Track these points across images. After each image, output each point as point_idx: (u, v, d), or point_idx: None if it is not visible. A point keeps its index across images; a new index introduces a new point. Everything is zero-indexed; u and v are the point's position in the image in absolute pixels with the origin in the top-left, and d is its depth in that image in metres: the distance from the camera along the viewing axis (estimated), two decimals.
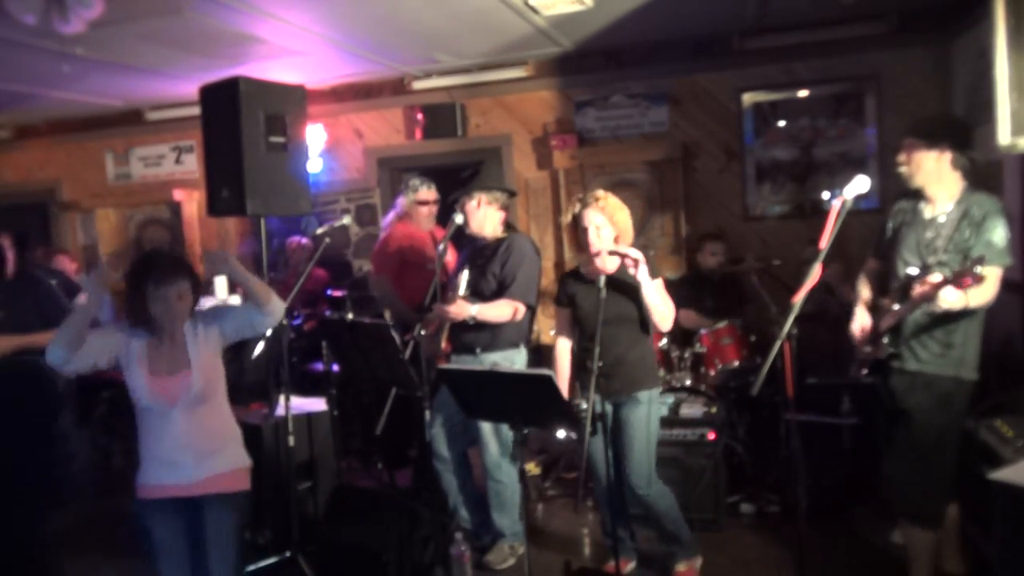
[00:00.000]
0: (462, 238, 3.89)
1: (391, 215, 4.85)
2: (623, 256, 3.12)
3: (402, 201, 4.62)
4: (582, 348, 3.40)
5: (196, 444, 2.77)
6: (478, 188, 3.70)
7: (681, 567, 3.48)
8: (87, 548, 4.16)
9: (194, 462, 2.76)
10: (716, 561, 3.65)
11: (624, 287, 3.30)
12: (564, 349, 3.49)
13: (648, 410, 3.34)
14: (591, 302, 3.25)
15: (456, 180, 3.85)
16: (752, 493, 4.21)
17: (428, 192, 4.56)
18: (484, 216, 3.72)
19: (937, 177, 2.93)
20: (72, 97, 6.00)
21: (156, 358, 2.79)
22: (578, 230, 3.29)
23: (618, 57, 5.59)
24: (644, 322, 3.34)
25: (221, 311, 2.98)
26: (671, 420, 4.08)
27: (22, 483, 3.78)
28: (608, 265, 3.29)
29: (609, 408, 3.38)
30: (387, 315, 4.57)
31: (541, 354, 5.21)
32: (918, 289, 2.76)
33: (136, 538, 4.35)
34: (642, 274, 3.12)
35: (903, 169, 2.99)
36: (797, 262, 4.71)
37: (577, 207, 3.31)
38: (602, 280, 3.18)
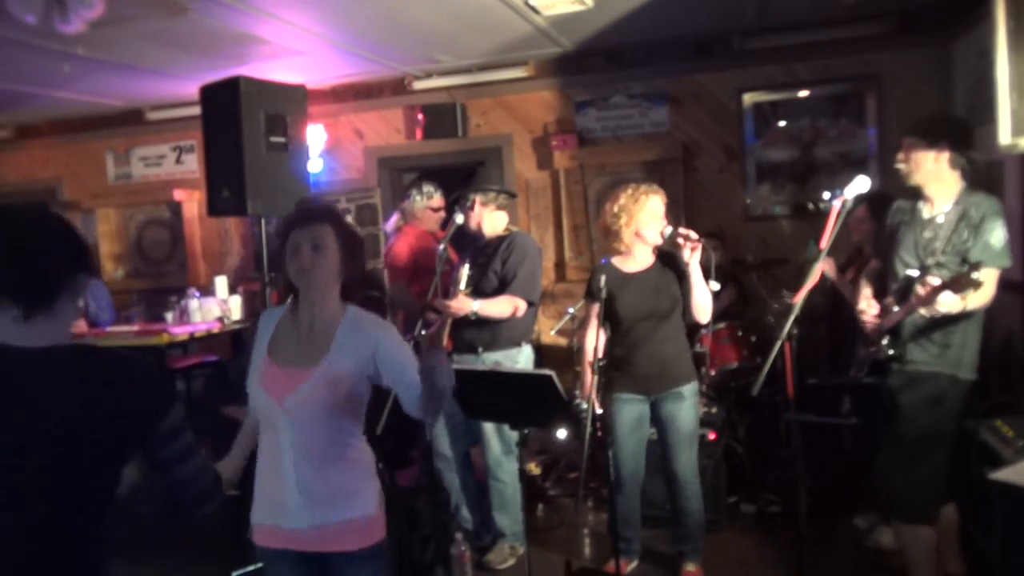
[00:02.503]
0: (464, 238, 3.91)
1: (394, 218, 4.88)
2: (685, 237, 3.12)
3: (412, 204, 4.63)
4: (615, 343, 3.42)
5: (307, 479, 2.03)
6: (474, 190, 3.74)
7: (690, 567, 3.50)
8: None
9: (304, 504, 2.03)
10: (716, 561, 3.65)
11: (663, 281, 3.34)
12: (590, 344, 3.45)
13: (691, 404, 3.38)
14: (629, 295, 3.31)
15: (457, 180, 3.87)
16: (752, 493, 4.21)
17: (441, 199, 4.62)
18: (481, 217, 3.74)
19: (936, 177, 2.93)
20: (73, 97, 6.00)
21: (287, 339, 2.11)
22: (643, 216, 3.30)
23: (618, 57, 5.59)
24: (681, 316, 3.37)
25: (393, 336, 2.13)
26: None
27: None
28: (647, 262, 3.36)
29: (645, 406, 3.40)
30: (389, 317, 4.58)
31: (541, 354, 5.21)
32: (917, 294, 2.77)
33: (137, 539, 4.36)
34: (695, 259, 3.14)
35: (901, 166, 3.00)
36: (798, 262, 4.72)
37: (649, 193, 3.34)
38: (602, 280, 3.20)
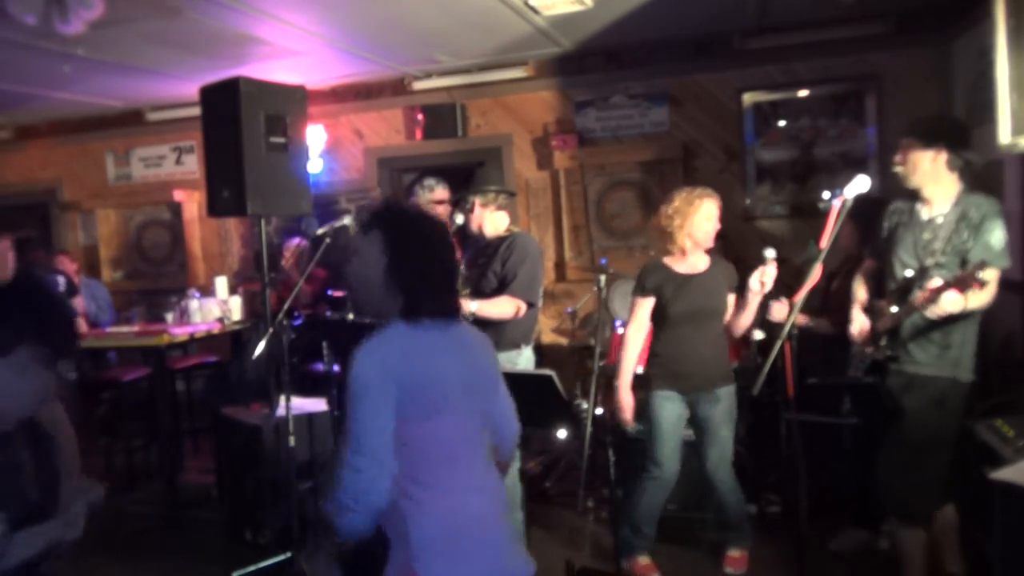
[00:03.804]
0: (467, 238, 3.91)
1: None
2: (762, 283, 3.15)
3: (416, 201, 4.67)
4: (659, 340, 3.49)
5: None
6: (473, 192, 3.74)
7: (735, 552, 3.59)
8: (87, 549, 4.15)
9: None
10: (716, 561, 3.66)
11: (714, 285, 3.41)
12: (636, 340, 3.52)
13: (729, 405, 3.48)
14: (679, 296, 3.38)
15: (457, 181, 3.87)
16: (753, 493, 4.20)
17: (444, 191, 4.65)
18: (481, 219, 3.74)
19: (934, 178, 2.93)
20: (73, 97, 6.01)
21: None
22: (696, 219, 3.36)
23: (618, 57, 5.59)
24: (722, 321, 3.45)
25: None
26: None
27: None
28: (700, 264, 3.44)
29: (684, 405, 3.48)
30: None
31: (541, 354, 5.21)
32: (920, 296, 2.77)
33: (137, 540, 4.36)
34: (759, 294, 3.22)
35: (899, 168, 3.01)
36: (797, 262, 4.71)
37: (704, 197, 3.38)
38: (603, 280, 3.23)
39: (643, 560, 3.57)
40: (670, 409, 3.45)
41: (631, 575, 3.53)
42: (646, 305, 3.47)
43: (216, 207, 3.84)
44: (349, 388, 1.77)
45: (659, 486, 3.50)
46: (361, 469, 1.74)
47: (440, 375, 1.83)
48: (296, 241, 6.14)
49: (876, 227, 3.24)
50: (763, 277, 3.14)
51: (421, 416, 1.79)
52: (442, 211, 4.65)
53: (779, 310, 3.39)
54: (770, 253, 3.15)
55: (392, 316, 1.86)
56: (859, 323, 3.16)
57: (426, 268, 1.87)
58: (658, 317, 3.47)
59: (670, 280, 3.42)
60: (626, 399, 3.46)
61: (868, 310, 3.18)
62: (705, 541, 3.83)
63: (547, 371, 2.68)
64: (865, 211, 3.28)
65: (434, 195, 4.63)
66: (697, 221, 3.36)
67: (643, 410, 3.51)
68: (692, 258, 3.45)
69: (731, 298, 3.41)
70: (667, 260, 3.48)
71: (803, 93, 5.35)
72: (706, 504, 3.78)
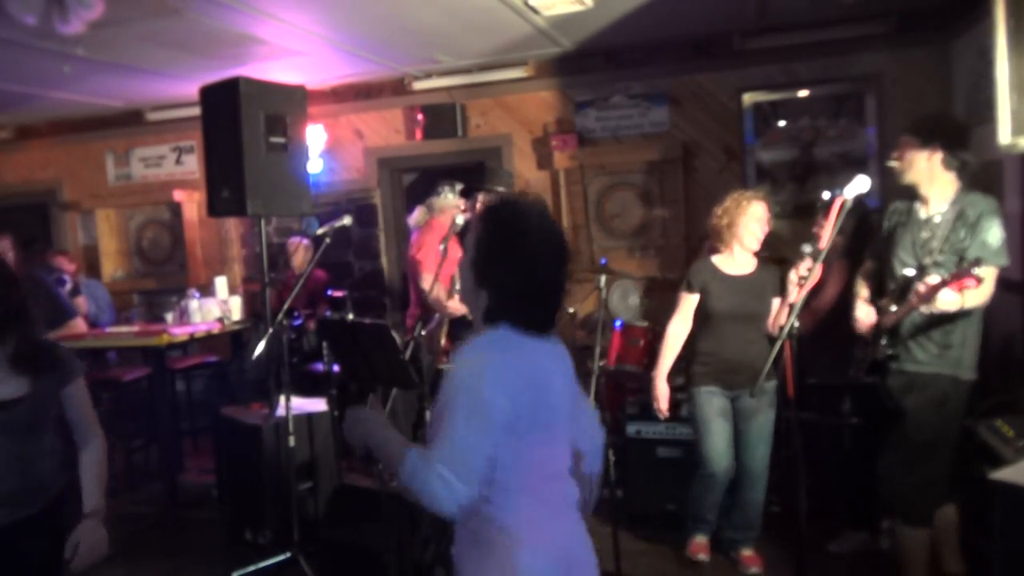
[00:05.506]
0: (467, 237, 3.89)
1: (417, 212, 4.73)
2: (800, 279, 3.02)
3: (441, 200, 4.53)
4: (701, 337, 3.54)
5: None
6: (478, 186, 3.75)
7: (748, 551, 3.62)
8: None
9: None
10: (717, 561, 3.66)
11: (759, 287, 3.46)
12: (678, 334, 3.58)
13: (770, 398, 3.51)
14: (723, 294, 3.43)
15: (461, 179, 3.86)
16: None
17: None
18: None
19: (929, 177, 2.94)
20: (73, 97, 6.01)
21: None
22: (744, 220, 3.41)
23: (618, 57, 5.59)
24: (763, 323, 3.48)
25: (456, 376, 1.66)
26: (672, 420, 4.08)
27: None
28: (746, 266, 3.48)
29: (728, 401, 3.53)
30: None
31: None
32: (917, 293, 2.77)
33: (137, 540, 4.36)
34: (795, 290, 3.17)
35: (895, 164, 3.03)
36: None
37: (753, 200, 3.43)
38: (603, 280, 3.24)
39: (699, 539, 3.66)
40: (716, 405, 3.49)
41: (688, 554, 3.66)
42: (691, 301, 3.54)
43: (216, 207, 3.84)
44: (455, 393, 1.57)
45: (714, 482, 3.53)
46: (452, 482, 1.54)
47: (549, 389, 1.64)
48: (298, 239, 6.14)
49: (859, 236, 3.27)
50: (801, 271, 3.13)
51: (532, 434, 1.60)
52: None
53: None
54: (807, 248, 3.13)
55: (478, 317, 1.67)
56: (865, 315, 3.13)
57: (513, 272, 1.62)
58: (701, 314, 3.53)
59: (716, 279, 3.48)
60: (662, 389, 3.55)
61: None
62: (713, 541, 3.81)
63: None
64: (846, 221, 3.25)
65: (460, 201, 4.46)
66: (744, 222, 3.41)
67: (687, 408, 3.60)
68: (739, 259, 3.50)
69: (775, 302, 3.44)
70: (715, 259, 3.54)
71: (803, 93, 5.35)
72: (721, 503, 3.77)
